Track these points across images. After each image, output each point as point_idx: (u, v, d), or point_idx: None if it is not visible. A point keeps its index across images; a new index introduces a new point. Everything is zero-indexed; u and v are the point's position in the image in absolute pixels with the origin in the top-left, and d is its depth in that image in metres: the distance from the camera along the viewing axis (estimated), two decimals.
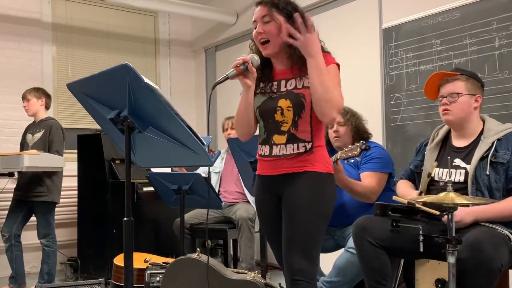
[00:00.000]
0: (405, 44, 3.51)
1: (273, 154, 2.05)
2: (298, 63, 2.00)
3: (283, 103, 2.02)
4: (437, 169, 2.48)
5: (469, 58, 3.12)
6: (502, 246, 2.09)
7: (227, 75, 2.01)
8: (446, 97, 2.42)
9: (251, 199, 4.14)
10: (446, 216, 2.14)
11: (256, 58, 2.04)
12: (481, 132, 2.41)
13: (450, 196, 1.96)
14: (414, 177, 2.66)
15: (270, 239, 2.20)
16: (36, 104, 4.02)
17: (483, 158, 2.31)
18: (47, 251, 3.91)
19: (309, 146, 2.01)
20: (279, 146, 2.04)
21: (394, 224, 2.24)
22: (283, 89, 2.05)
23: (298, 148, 2.01)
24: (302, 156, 2.01)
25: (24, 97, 4.00)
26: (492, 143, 2.33)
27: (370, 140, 3.05)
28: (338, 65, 2.03)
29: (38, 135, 3.97)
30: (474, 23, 3.09)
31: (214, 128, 5.61)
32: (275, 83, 2.08)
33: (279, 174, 2.04)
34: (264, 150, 2.09)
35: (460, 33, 3.17)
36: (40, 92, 4.04)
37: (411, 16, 3.47)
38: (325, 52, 2.02)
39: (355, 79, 3.75)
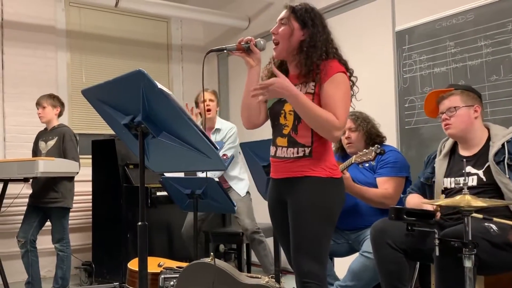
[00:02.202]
0: (419, 46, 3.48)
1: (277, 155, 2.12)
2: (304, 70, 2.04)
3: (287, 107, 2.07)
4: (448, 178, 2.49)
5: (484, 60, 3.09)
6: (479, 237, 2.09)
7: (226, 46, 2.10)
8: (445, 112, 2.48)
9: (240, 185, 4.05)
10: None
11: (262, 42, 2.09)
12: (488, 139, 2.45)
13: (466, 199, 1.94)
14: (424, 190, 2.65)
15: (281, 243, 2.26)
16: (51, 113, 4.04)
17: (499, 162, 2.32)
18: (61, 256, 3.94)
19: (308, 150, 2.03)
20: (282, 148, 2.09)
21: (409, 228, 2.23)
22: None
23: (297, 153, 2.05)
24: (301, 161, 2.04)
25: (39, 104, 4.02)
26: (503, 145, 2.36)
27: (384, 143, 3.03)
28: (345, 72, 2.04)
29: (51, 142, 4.00)
30: (488, 24, 3.06)
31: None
32: None
33: (282, 178, 2.10)
34: (272, 151, 2.16)
35: (475, 35, 3.13)
36: (56, 100, 4.06)
37: (424, 18, 3.44)
38: (331, 60, 2.04)
39: (368, 82, 3.71)
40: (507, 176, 2.29)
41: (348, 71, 2.07)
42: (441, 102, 2.54)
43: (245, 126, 2.26)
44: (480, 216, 2.04)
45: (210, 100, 3.99)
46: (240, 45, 2.09)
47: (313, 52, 2.02)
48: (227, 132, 4.01)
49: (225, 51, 2.11)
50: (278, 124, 2.12)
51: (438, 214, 2.40)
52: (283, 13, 2.10)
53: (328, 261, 2.09)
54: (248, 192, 4.08)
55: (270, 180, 2.22)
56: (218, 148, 1.78)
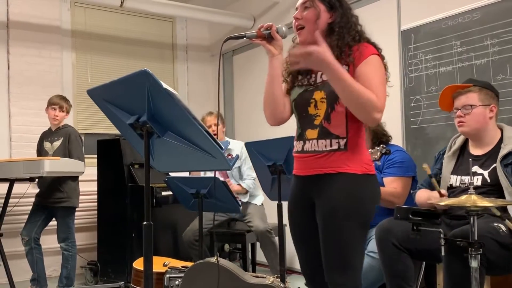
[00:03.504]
0: (425, 45, 3.47)
1: (304, 149, 1.91)
2: (336, 52, 1.83)
3: (318, 94, 1.88)
4: (455, 176, 2.48)
5: (490, 59, 3.08)
6: (487, 237, 2.10)
7: (245, 33, 1.94)
8: (460, 109, 2.43)
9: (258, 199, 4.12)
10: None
11: (283, 28, 1.94)
12: (500, 140, 2.42)
13: (472, 199, 1.93)
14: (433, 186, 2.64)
15: (299, 249, 2.03)
16: (65, 117, 4.12)
17: (507, 164, 2.30)
18: (66, 255, 3.96)
19: (343, 142, 1.83)
20: (311, 141, 1.89)
21: (415, 227, 2.22)
22: (319, 80, 1.91)
23: (330, 145, 1.84)
24: (335, 155, 1.83)
25: (59, 106, 4.04)
26: None
27: (390, 143, 3.02)
28: (379, 54, 1.88)
29: (57, 143, 4.02)
30: (495, 23, 3.04)
31: (230, 128, 5.62)
32: (313, 75, 1.94)
33: (311, 175, 1.89)
34: (298, 146, 1.95)
35: (481, 34, 3.12)
36: (70, 106, 4.14)
37: (430, 17, 3.43)
38: (364, 42, 1.89)
39: None
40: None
41: (381, 54, 1.90)
42: (458, 97, 2.48)
43: (270, 123, 2.05)
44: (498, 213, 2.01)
45: (215, 124, 4.08)
46: (260, 32, 1.92)
47: (345, 33, 1.86)
48: (242, 152, 4.04)
49: (244, 38, 1.94)
50: (307, 115, 1.91)
51: (445, 193, 2.37)
52: None
53: (361, 266, 1.88)
54: (262, 204, 4.18)
55: (293, 177, 2.01)
56: (223, 148, 1.77)
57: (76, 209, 4.07)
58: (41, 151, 4.13)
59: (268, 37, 1.93)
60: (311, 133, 1.89)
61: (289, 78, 2.01)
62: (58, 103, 4.04)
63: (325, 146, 1.85)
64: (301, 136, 1.94)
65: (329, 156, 1.85)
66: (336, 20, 1.88)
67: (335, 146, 1.84)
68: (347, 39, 1.86)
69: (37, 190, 4.07)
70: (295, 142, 1.99)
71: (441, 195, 2.41)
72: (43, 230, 4.06)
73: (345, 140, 1.84)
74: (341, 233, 1.81)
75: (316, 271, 1.95)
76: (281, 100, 1.98)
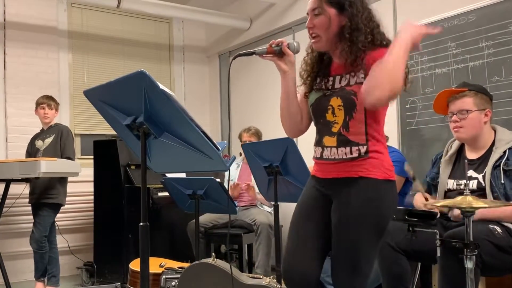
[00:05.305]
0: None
1: (324, 157, 1.87)
2: (350, 58, 1.80)
3: (335, 101, 1.83)
4: (452, 180, 2.50)
5: (486, 61, 3.09)
6: (482, 239, 2.12)
7: (255, 50, 1.91)
8: (456, 114, 2.44)
9: (265, 204, 4.16)
10: (453, 212, 2.18)
11: (295, 44, 1.89)
12: (493, 143, 2.43)
13: (467, 200, 1.94)
14: (431, 190, 2.65)
15: (293, 241, 1.92)
16: (55, 115, 4.17)
17: (495, 167, 2.32)
18: (40, 254, 3.94)
19: (363, 150, 1.80)
20: (330, 149, 1.85)
21: (410, 228, 2.23)
22: (337, 85, 1.86)
23: (351, 153, 1.80)
24: (355, 161, 1.80)
25: (47, 105, 4.10)
26: (504, 152, 2.36)
27: (386, 144, 3.03)
28: None
29: (49, 140, 4.05)
30: (490, 25, 3.06)
31: (227, 129, 5.62)
32: (331, 79, 1.89)
33: (330, 177, 1.86)
34: (317, 152, 1.92)
35: (476, 36, 3.14)
36: (57, 103, 4.20)
37: (425, 19, 3.44)
38: (380, 48, 1.81)
39: None
40: (502, 181, 2.30)
41: None
42: (453, 102, 2.48)
43: (289, 135, 2.06)
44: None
45: (250, 141, 4.18)
46: (271, 48, 1.89)
47: (358, 36, 1.78)
48: None
49: (254, 54, 1.93)
50: (324, 122, 1.86)
51: (456, 213, 2.38)
52: (311, 3, 1.85)
53: (370, 272, 1.84)
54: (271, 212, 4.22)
55: (311, 176, 1.97)
56: (220, 149, 1.78)
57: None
58: (31, 151, 4.14)
59: (279, 53, 1.89)
60: (330, 140, 1.85)
61: (308, 80, 1.96)
62: (46, 102, 4.11)
63: (345, 154, 1.82)
64: (319, 143, 1.91)
65: (350, 162, 1.81)
66: (347, 24, 1.80)
67: (355, 154, 1.81)
68: (360, 43, 1.78)
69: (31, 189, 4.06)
70: (314, 147, 1.95)
71: (426, 199, 2.46)
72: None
73: (365, 147, 1.80)
74: (354, 236, 1.78)
75: (296, 266, 1.88)
76: (297, 115, 1.97)
